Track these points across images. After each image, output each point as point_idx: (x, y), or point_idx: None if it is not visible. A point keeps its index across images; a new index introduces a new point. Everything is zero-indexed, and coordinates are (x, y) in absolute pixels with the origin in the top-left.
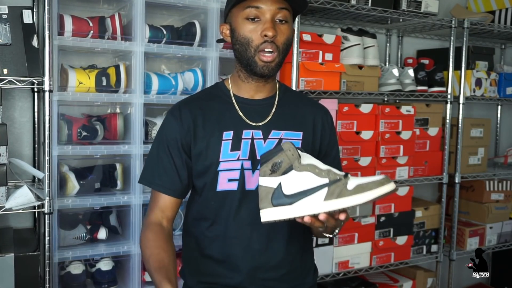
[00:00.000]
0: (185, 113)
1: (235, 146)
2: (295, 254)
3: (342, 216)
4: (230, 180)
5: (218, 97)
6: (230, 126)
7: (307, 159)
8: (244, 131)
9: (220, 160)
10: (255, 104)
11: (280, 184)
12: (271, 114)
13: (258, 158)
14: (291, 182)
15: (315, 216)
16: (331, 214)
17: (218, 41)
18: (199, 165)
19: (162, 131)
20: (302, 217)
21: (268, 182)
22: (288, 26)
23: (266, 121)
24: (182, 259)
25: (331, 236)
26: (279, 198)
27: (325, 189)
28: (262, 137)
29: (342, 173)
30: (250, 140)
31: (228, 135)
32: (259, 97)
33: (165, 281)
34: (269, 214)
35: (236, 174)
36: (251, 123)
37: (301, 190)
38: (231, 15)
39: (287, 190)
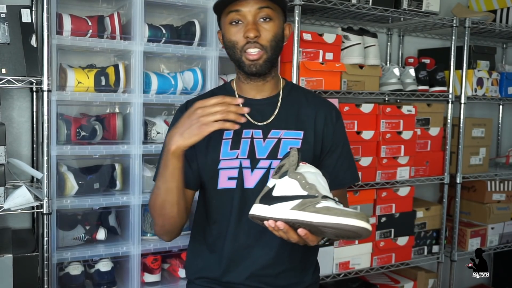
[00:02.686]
0: None
1: (235, 145)
2: (295, 252)
3: (301, 232)
4: (229, 178)
5: None
6: None
7: (306, 168)
8: (244, 130)
9: (220, 158)
10: (257, 104)
11: (274, 185)
12: (275, 114)
13: (258, 157)
14: (281, 187)
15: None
16: (292, 226)
17: None
18: (201, 163)
19: (171, 128)
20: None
21: (270, 182)
22: (274, 23)
23: (269, 120)
24: (186, 254)
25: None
26: (267, 198)
27: (299, 201)
28: (261, 136)
29: (328, 195)
30: (249, 139)
31: (228, 134)
32: (261, 97)
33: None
34: (253, 209)
35: (234, 173)
36: (253, 122)
37: (283, 195)
38: (221, 22)
39: (275, 193)
